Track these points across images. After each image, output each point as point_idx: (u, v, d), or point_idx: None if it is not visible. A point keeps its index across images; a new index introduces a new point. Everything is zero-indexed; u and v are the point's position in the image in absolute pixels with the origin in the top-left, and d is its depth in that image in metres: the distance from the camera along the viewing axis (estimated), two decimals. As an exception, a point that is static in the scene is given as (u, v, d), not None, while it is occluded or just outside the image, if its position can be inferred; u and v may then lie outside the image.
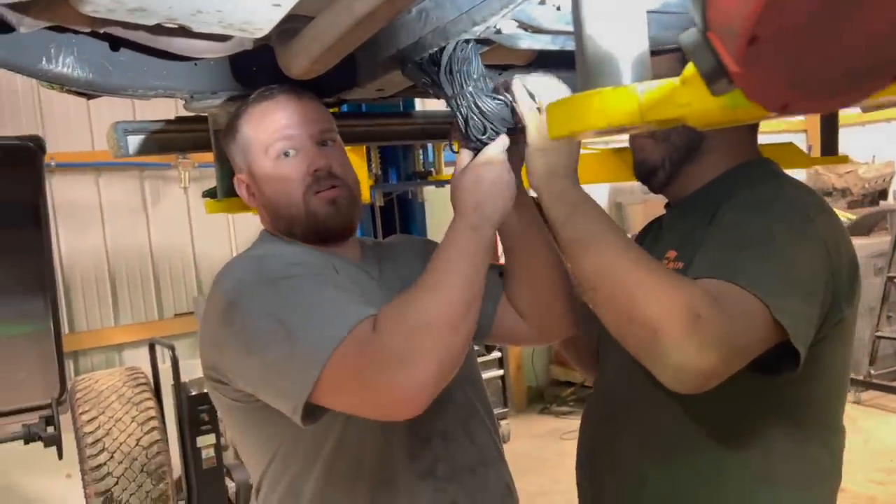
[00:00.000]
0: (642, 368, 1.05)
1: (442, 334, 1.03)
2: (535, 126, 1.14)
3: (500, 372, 5.46)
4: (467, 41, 1.11)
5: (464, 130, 1.15)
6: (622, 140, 1.52)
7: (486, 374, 5.40)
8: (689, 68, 0.54)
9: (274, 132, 1.29)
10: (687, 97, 0.56)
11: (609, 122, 0.59)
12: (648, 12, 0.78)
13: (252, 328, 1.12)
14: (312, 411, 1.09)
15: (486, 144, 1.15)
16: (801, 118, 7.90)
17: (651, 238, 1.45)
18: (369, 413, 1.10)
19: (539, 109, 1.14)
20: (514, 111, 1.14)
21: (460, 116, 1.14)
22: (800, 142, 7.58)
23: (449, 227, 1.15)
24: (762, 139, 1.42)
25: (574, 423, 5.61)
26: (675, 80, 0.57)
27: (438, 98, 1.21)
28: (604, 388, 1.47)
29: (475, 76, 1.13)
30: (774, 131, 7.19)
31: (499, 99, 1.14)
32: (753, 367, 1.08)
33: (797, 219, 1.15)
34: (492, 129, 1.14)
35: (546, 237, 1.32)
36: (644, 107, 0.58)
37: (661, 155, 1.33)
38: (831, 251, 1.15)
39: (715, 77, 0.50)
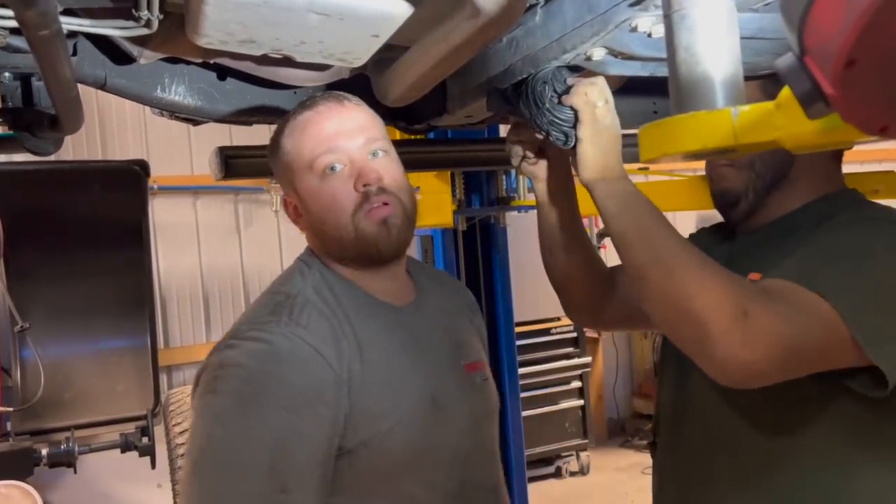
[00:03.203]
0: (742, 406, 1.07)
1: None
2: (589, 118, 1.15)
3: (581, 402, 5.39)
4: (558, 69, 1.14)
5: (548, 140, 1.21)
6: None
7: (565, 405, 5.35)
8: (785, 92, 0.55)
9: (317, 145, 1.17)
10: (782, 120, 0.57)
11: (704, 144, 0.60)
12: (742, 38, 0.79)
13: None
14: None
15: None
16: (902, 146, 7.53)
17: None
18: None
19: (594, 105, 1.16)
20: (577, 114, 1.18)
21: (543, 131, 1.19)
22: (901, 171, 7.21)
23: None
24: (859, 168, 1.38)
25: (656, 457, 5.49)
26: (770, 104, 0.58)
27: (521, 121, 1.24)
28: (685, 421, 1.36)
29: (549, 94, 1.17)
30: (872, 160, 6.89)
31: (567, 107, 1.18)
32: (869, 404, 1.07)
33: None
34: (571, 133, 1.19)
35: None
36: (738, 130, 0.59)
37: (744, 183, 1.27)
38: None
39: (811, 100, 0.50)
